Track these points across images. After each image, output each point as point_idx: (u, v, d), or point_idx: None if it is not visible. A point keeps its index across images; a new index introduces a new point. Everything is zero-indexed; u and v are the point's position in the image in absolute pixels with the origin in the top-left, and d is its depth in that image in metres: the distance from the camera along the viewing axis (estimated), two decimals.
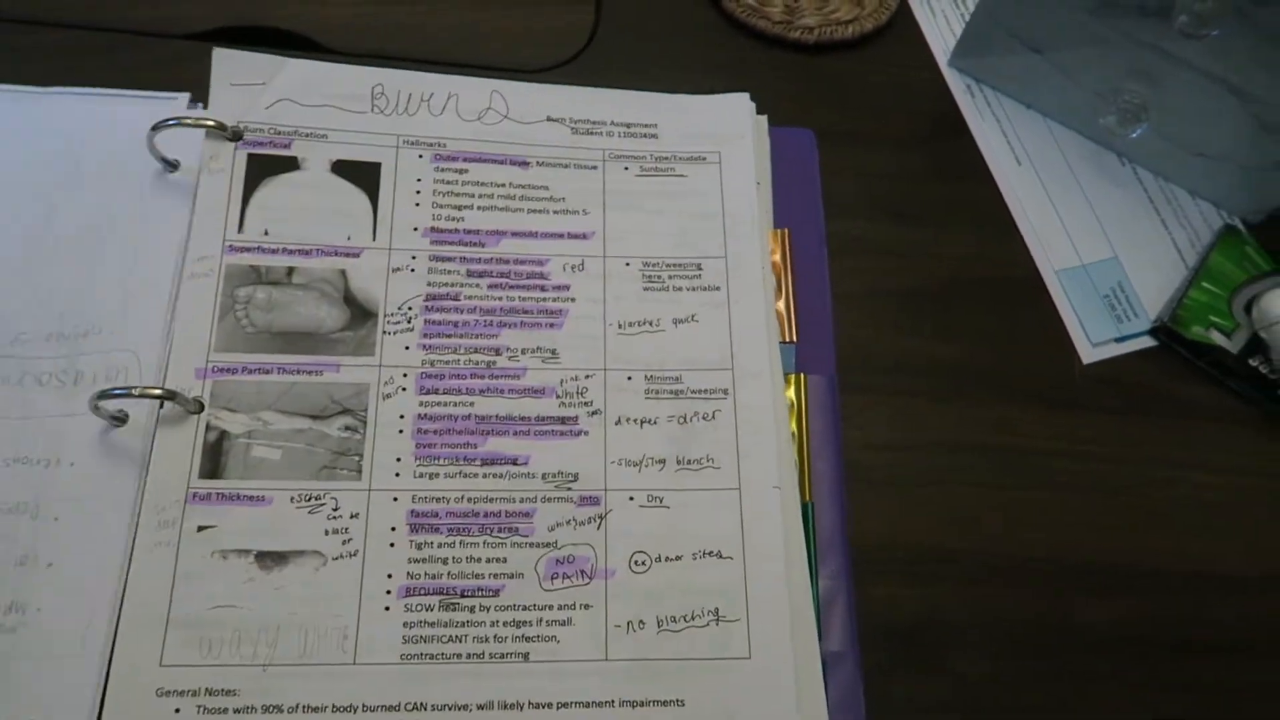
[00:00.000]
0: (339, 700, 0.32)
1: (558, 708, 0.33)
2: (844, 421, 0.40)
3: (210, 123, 0.40)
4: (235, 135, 0.40)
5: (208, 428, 0.36)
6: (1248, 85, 0.41)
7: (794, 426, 0.39)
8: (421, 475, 0.36)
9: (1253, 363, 0.42)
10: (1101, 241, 0.45)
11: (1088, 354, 0.43)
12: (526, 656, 0.34)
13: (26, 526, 0.34)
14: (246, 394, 0.36)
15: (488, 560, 0.35)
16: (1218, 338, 0.42)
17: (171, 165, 0.41)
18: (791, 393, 0.39)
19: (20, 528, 0.34)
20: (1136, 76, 0.44)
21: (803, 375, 0.40)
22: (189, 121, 0.40)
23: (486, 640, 0.34)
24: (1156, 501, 0.41)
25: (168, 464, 0.35)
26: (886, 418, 0.41)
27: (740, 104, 0.45)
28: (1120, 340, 0.43)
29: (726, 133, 0.44)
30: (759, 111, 0.46)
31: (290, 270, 0.39)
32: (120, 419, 0.36)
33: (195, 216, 0.39)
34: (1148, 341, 0.43)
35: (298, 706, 0.32)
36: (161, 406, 0.36)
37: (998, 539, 0.39)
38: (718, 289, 0.41)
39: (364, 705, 0.32)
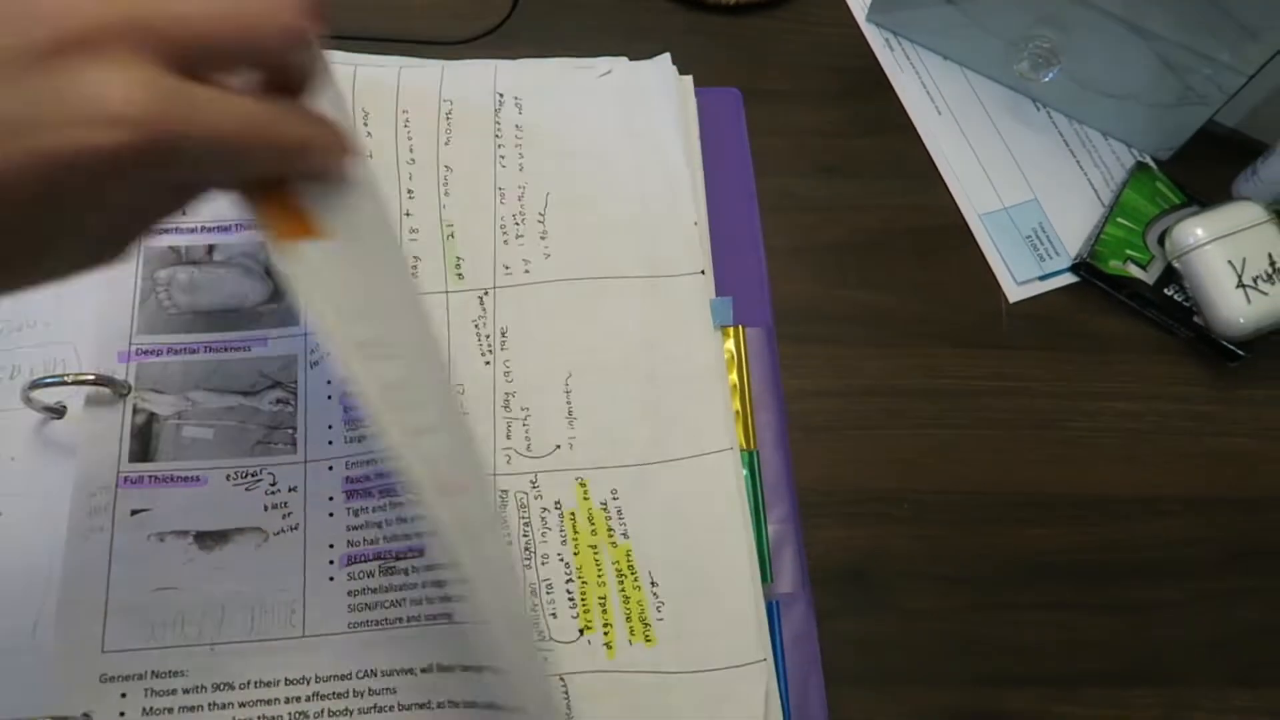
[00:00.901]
0: (291, 674, 0.32)
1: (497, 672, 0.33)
2: (782, 371, 0.41)
3: None
4: None
5: (134, 410, 0.35)
6: (1149, 25, 0.42)
7: (734, 377, 0.39)
8: (352, 440, 0.36)
9: (1168, 292, 0.43)
10: (1021, 184, 0.46)
11: (1013, 293, 0.44)
12: (450, 617, 0.34)
13: None
14: (173, 375, 0.36)
15: (414, 519, 0.35)
16: (1134, 270, 0.44)
17: None
18: (731, 344, 0.40)
19: None
20: (1045, 22, 0.45)
21: (741, 327, 0.41)
22: None
23: (420, 602, 0.34)
24: (1083, 432, 0.42)
25: (96, 449, 0.34)
26: (823, 366, 0.42)
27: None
28: (1043, 278, 0.44)
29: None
30: (683, 73, 0.46)
31: (211, 248, 0.38)
32: (58, 411, 0.35)
33: None
34: (1069, 278, 0.45)
35: (249, 683, 0.32)
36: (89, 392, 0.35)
37: (935, 477, 0.41)
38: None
39: (316, 676, 0.32)
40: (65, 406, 0.35)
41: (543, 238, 0.40)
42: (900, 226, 0.45)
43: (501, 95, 0.43)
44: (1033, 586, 0.39)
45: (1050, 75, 0.46)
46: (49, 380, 0.35)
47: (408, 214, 0.40)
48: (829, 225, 0.45)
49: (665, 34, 0.47)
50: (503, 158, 0.42)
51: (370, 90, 0.42)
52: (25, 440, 0.35)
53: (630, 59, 0.46)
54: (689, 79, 0.46)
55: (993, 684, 0.37)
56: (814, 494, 0.40)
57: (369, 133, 0.41)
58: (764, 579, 0.37)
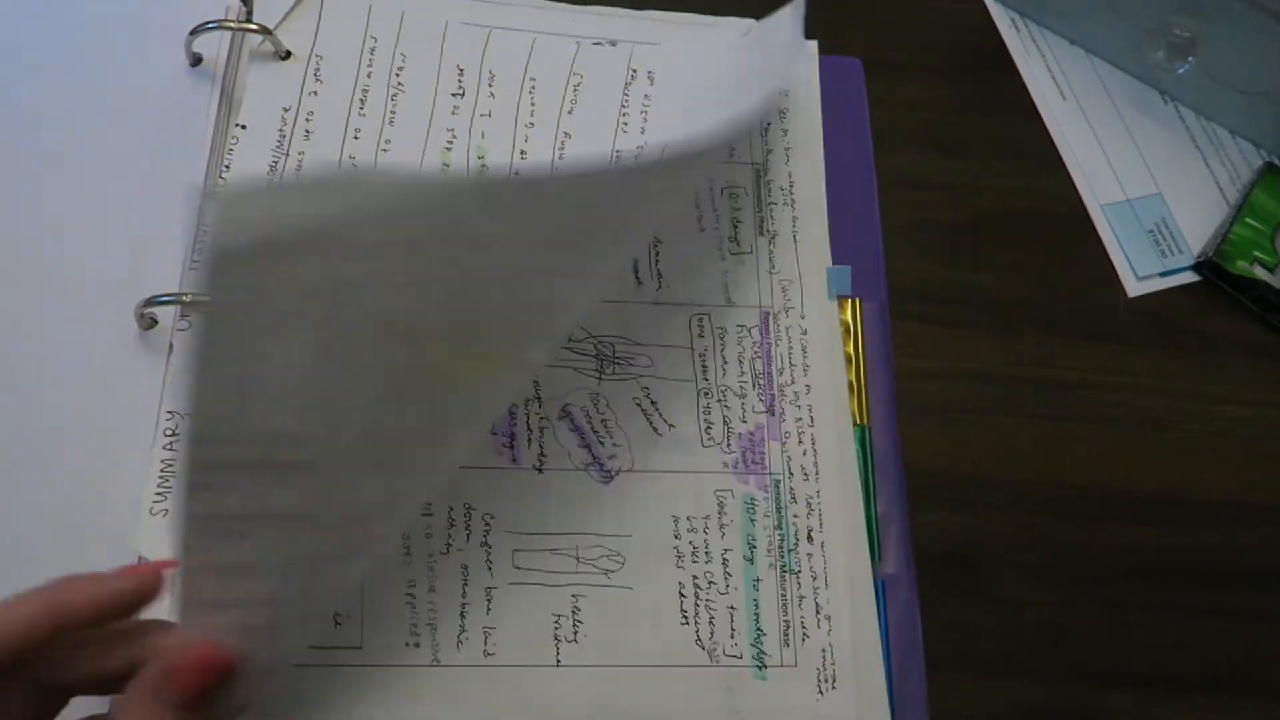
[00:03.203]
0: None
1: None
2: (893, 350, 0.40)
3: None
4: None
5: None
6: None
7: (849, 349, 0.39)
8: None
9: None
10: (1146, 177, 0.45)
11: (1132, 287, 0.43)
12: None
13: None
14: None
15: None
16: (1261, 273, 0.42)
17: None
18: (847, 316, 0.39)
19: None
20: (1186, 10, 0.43)
21: (858, 300, 0.40)
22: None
23: None
24: (1196, 434, 0.41)
25: None
26: (933, 347, 0.41)
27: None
28: (1164, 275, 0.43)
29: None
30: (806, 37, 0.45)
31: None
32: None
33: None
34: (1191, 276, 0.43)
35: None
36: None
37: (1042, 468, 0.40)
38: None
39: None
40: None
41: None
42: (1018, 210, 0.44)
43: (635, 71, 0.42)
44: (1136, 586, 0.38)
45: (1185, 67, 0.45)
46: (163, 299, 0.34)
47: (516, 174, 0.39)
48: (944, 204, 0.44)
49: None
50: (625, 123, 0.41)
51: (500, 56, 0.41)
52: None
53: (758, 20, 0.44)
54: (814, 44, 0.45)
55: (1091, 681, 0.37)
56: (918, 476, 0.39)
57: (492, 93, 0.40)
58: (872, 558, 0.36)
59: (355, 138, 0.39)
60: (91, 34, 0.39)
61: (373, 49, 0.40)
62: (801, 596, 0.34)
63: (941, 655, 0.36)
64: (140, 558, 0.31)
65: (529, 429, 0.36)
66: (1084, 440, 0.40)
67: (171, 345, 0.35)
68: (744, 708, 0.33)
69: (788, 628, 0.34)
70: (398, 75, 0.40)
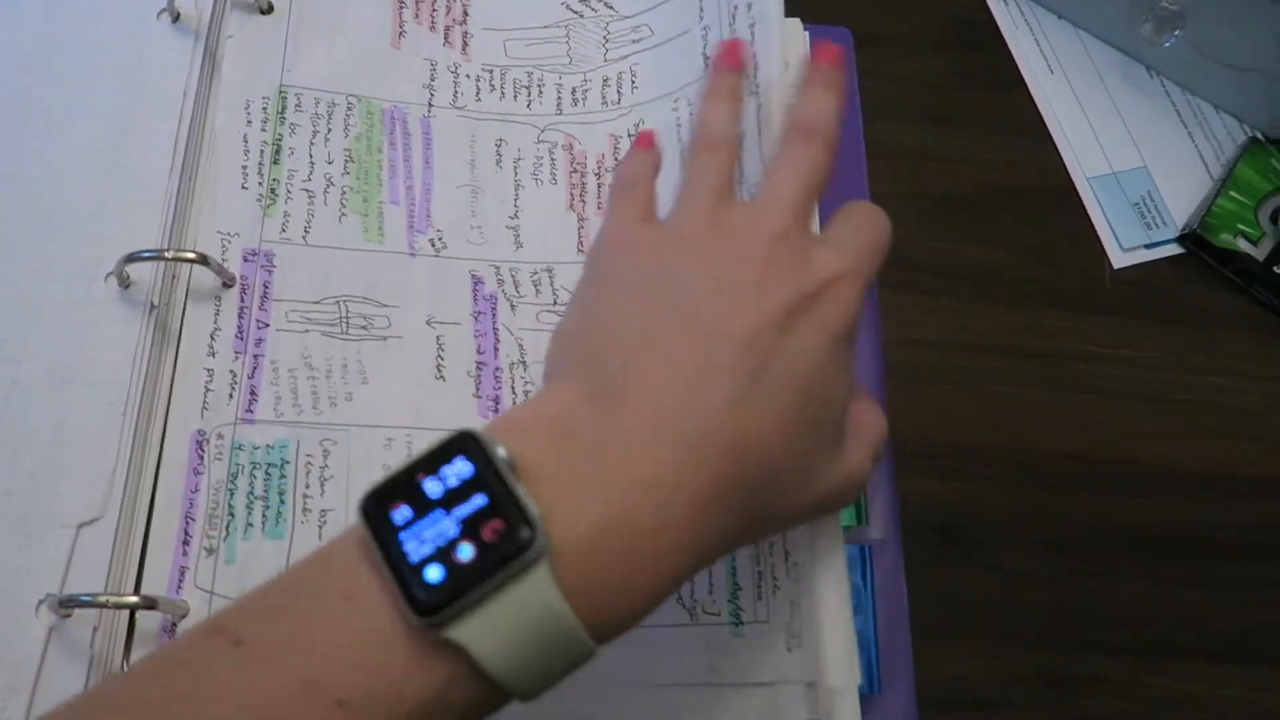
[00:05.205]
0: None
1: None
2: (882, 319, 0.40)
3: None
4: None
5: None
6: None
7: None
8: None
9: (1277, 270, 0.43)
10: (1131, 151, 0.45)
11: (1118, 259, 0.43)
12: None
13: None
14: None
15: None
16: (1244, 245, 0.43)
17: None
18: None
19: None
20: None
21: None
22: None
23: None
24: (1184, 405, 0.41)
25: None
26: (922, 317, 0.41)
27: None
28: (1150, 247, 0.43)
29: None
30: (789, 14, 0.45)
31: None
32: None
33: None
34: (1175, 249, 0.44)
35: None
36: None
37: (1031, 438, 0.40)
38: None
39: None
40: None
41: None
42: (1006, 183, 0.44)
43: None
44: (1126, 556, 0.39)
45: (1172, 40, 0.45)
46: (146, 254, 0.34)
47: None
48: (934, 176, 0.44)
49: None
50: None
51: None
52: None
53: None
54: (796, 22, 0.44)
55: (1082, 649, 0.37)
56: (907, 444, 0.39)
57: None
58: (858, 522, 0.36)
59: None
60: None
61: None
62: (772, 542, 0.34)
63: (932, 622, 0.36)
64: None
65: (514, 393, 0.35)
66: (1076, 411, 0.41)
67: (151, 305, 0.34)
68: (722, 665, 0.32)
69: (760, 579, 0.33)
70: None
